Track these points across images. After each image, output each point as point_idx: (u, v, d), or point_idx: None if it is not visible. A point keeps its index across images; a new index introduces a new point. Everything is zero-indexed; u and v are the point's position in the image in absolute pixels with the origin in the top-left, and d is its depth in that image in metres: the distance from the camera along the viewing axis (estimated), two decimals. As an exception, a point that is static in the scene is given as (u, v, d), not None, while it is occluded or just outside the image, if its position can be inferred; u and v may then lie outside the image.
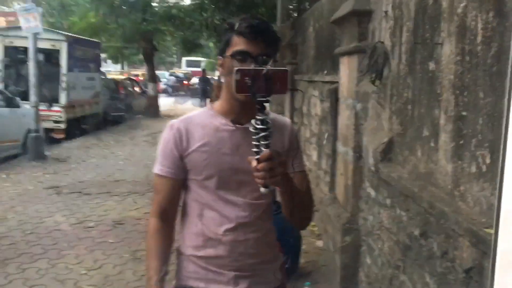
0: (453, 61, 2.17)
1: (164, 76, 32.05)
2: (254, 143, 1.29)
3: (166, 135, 1.55)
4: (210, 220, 1.54)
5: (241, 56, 1.43)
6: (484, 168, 1.91)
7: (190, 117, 1.57)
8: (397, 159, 2.92)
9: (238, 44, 1.44)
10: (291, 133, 1.63)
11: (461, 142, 2.10)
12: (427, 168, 2.48)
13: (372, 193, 3.29)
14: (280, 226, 1.78)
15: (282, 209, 1.50)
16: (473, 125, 1.99)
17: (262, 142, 1.27)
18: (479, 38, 1.92)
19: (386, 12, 3.09)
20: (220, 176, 1.51)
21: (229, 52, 1.45)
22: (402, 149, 2.84)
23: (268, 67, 1.29)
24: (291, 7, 9.51)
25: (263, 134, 1.27)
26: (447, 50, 2.21)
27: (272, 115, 1.51)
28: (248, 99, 1.40)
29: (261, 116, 1.27)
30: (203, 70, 19.74)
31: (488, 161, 1.88)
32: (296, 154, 1.61)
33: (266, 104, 1.30)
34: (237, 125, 1.53)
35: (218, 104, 1.58)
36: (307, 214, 1.61)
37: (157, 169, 1.57)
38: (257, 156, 1.27)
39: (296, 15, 8.56)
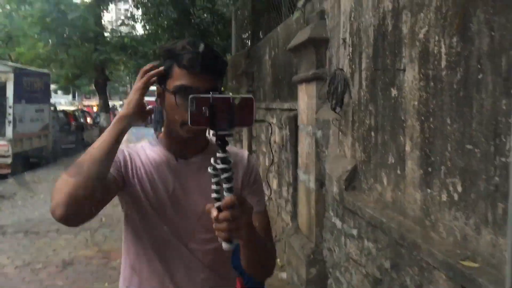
0: (416, 87, 2.12)
1: (117, 107, 31.56)
2: (214, 187, 1.11)
3: (119, 153, 1.37)
4: (150, 272, 1.37)
5: (184, 92, 1.24)
6: (455, 196, 1.84)
7: (136, 146, 1.42)
8: (362, 187, 2.85)
9: (181, 77, 1.27)
10: (248, 166, 1.44)
11: (429, 169, 2.04)
12: (394, 197, 2.41)
13: (338, 223, 3.19)
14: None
15: (242, 261, 1.30)
16: (441, 152, 1.93)
17: (225, 185, 1.09)
18: (443, 63, 1.88)
19: (344, 39, 3.06)
20: (160, 216, 1.34)
21: (170, 85, 1.29)
22: (367, 177, 2.77)
23: (231, 94, 1.14)
24: (244, 36, 9.52)
25: (225, 175, 1.09)
26: (410, 76, 2.17)
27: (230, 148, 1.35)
28: (199, 133, 1.28)
29: (222, 154, 1.09)
30: (157, 100, 18.67)
31: (460, 189, 1.81)
32: (255, 190, 1.43)
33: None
34: (180, 160, 1.36)
35: (161, 135, 1.43)
36: (271, 262, 1.41)
37: None
38: (218, 204, 1.08)
39: (250, 43, 8.58)
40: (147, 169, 1.35)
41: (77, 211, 1.15)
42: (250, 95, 1.14)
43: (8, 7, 24.08)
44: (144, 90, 1.26)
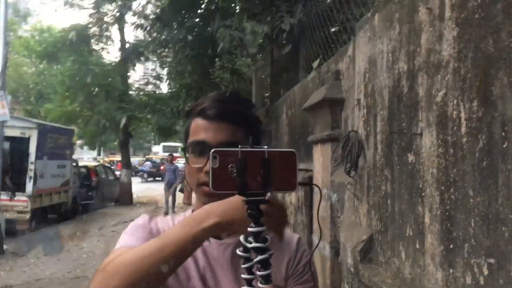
0: (435, 153, 1.94)
1: (136, 162, 31.97)
2: (244, 276, 0.85)
3: (137, 222, 1.13)
4: None
5: (196, 147, 1.04)
6: (481, 280, 1.60)
7: (165, 219, 1.16)
8: (378, 260, 2.60)
9: (195, 132, 1.06)
10: (297, 250, 1.13)
11: (451, 246, 1.81)
12: (413, 274, 2.16)
13: (353, 298, 2.92)
14: None
15: None
16: (464, 228, 1.72)
17: (259, 273, 0.83)
18: (463, 129, 1.71)
19: (358, 100, 2.93)
20: None
21: (189, 141, 1.08)
22: (384, 248, 2.53)
23: (266, 148, 0.84)
24: (266, 94, 9.57)
25: (259, 258, 0.83)
26: (428, 141, 2.00)
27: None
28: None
29: (255, 228, 0.83)
30: (171, 156, 15.12)
31: (486, 272, 1.58)
32: (304, 283, 1.11)
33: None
34: (212, 239, 1.09)
35: (194, 209, 1.15)
36: None
37: (121, 242, 1.06)
38: None
39: (269, 102, 8.60)
40: None
41: None
42: (292, 150, 0.87)
43: (40, 65, 25.18)
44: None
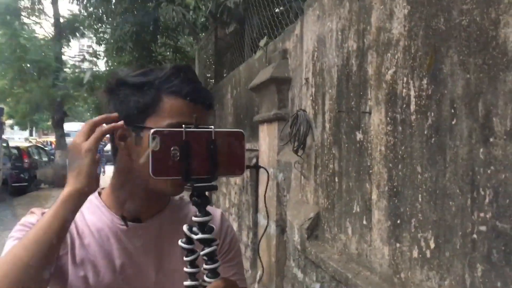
0: (383, 131, 1.97)
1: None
2: (188, 270, 0.78)
3: (27, 220, 1.00)
4: None
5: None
6: (428, 253, 1.66)
7: None
8: (325, 237, 2.64)
9: (176, 113, 0.92)
10: (222, 228, 1.09)
11: (398, 221, 1.86)
12: (360, 249, 2.21)
13: (299, 275, 2.96)
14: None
15: None
16: (411, 203, 1.76)
17: (206, 266, 0.77)
18: (412, 107, 1.74)
19: (306, 79, 2.92)
20: None
21: (155, 124, 0.90)
22: (331, 225, 2.57)
23: (212, 127, 0.77)
24: (208, 75, 9.43)
25: (206, 251, 0.76)
26: (376, 119, 2.02)
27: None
28: (170, 185, 0.90)
29: (201, 217, 0.77)
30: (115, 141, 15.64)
31: (432, 245, 1.63)
32: (231, 260, 1.08)
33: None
34: (131, 223, 1.00)
35: (106, 191, 1.06)
36: None
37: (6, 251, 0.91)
38: None
39: (213, 82, 8.47)
40: (87, 241, 0.99)
41: None
42: (240, 130, 0.82)
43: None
44: (96, 151, 0.88)
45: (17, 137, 27.02)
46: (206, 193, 0.78)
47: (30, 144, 18.54)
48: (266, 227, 4.10)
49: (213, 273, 0.76)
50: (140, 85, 0.97)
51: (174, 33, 9.28)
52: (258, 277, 3.96)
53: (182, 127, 0.84)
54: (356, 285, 2.07)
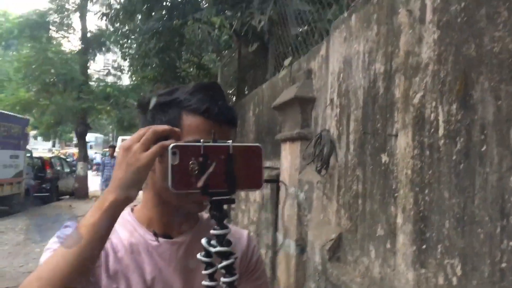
0: (409, 154, 1.96)
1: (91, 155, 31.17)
2: (206, 283, 0.78)
3: (62, 233, 0.99)
4: None
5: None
6: (454, 280, 1.63)
7: None
8: (347, 259, 2.62)
9: (195, 131, 0.93)
10: (248, 247, 1.10)
11: (424, 246, 1.84)
12: (383, 273, 2.19)
13: (319, 296, 2.93)
14: None
15: None
16: (438, 229, 1.74)
17: (224, 280, 0.77)
18: (441, 131, 1.73)
19: (331, 100, 2.94)
20: None
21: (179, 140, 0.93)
22: (353, 247, 2.55)
23: (230, 142, 0.78)
24: (229, 92, 9.52)
25: (224, 264, 0.77)
26: (403, 142, 2.02)
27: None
28: (191, 202, 0.91)
29: (219, 231, 0.78)
30: (112, 148, 12.75)
31: (459, 272, 1.61)
32: (256, 280, 1.08)
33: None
34: (162, 239, 1.02)
35: (138, 208, 1.09)
36: None
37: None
38: None
39: (235, 99, 8.56)
40: (120, 255, 1.00)
41: None
42: (258, 144, 0.81)
43: (-5, 51, 24.12)
44: (151, 165, 0.85)
45: (41, 148, 27.53)
46: (225, 207, 0.79)
47: (53, 155, 18.85)
48: (282, 244, 4.08)
49: (231, 287, 0.77)
50: (164, 104, 0.99)
51: (198, 50, 9.42)
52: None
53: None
54: (379, 309, 2.05)
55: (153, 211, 1.04)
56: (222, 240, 0.77)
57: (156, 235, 1.02)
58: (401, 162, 2.04)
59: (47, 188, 14.49)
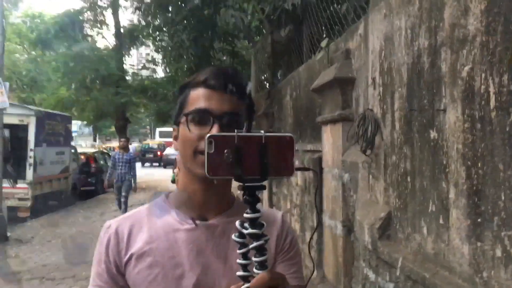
0: (460, 129, 1.94)
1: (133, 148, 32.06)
2: (240, 261, 0.84)
3: (100, 241, 1.09)
4: None
5: (198, 116, 1.02)
6: (513, 252, 1.62)
7: (134, 215, 1.12)
8: (398, 236, 2.63)
9: (195, 100, 1.03)
10: (283, 228, 1.14)
11: (479, 220, 1.83)
12: (437, 249, 2.19)
13: (371, 275, 2.95)
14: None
15: None
16: (493, 201, 1.73)
17: (255, 259, 0.81)
18: (492, 104, 1.71)
19: (373, 79, 2.92)
20: None
21: (184, 113, 1.05)
22: (403, 225, 2.55)
23: (263, 132, 0.82)
24: (263, 78, 9.52)
25: (255, 244, 0.82)
26: (452, 117, 2.00)
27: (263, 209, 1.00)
28: (220, 181, 0.95)
29: (251, 214, 0.82)
30: (125, 141, 10.96)
31: (518, 243, 1.60)
32: (290, 259, 1.12)
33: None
34: (199, 222, 1.07)
35: (174, 193, 1.14)
36: None
37: (91, 282, 1.08)
38: (246, 285, 0.81)
39: (269, 85, 8.56)
40: (152, 237, 1.06)
41: None
42: (289, 134, 0.85)
43: (33, 53, 24.92)
44: None
45: (84, 144, 28.39)
46: (257, 192, 0.83)
47: (96, 150, 19.43)
48: (317, 225, 4.08)
49: (262, 265, 0.81)
50: (181, 87, 1.11)
51: (231, 38, 9.46)
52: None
53: (203, 112, 1.00)
54: (435, 284, 2.05)
55: (186, 194, 1.09)
56: (254, 223, 0.82)
57: (192, 218, 1.07)
58: (451, 137, 2.02)
59: (92, 182, 14.99)
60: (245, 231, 0.83)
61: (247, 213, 0.83)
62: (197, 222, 1.06)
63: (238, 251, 0.84)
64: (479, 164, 1.81)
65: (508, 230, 1.65)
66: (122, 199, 9.80)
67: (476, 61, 1.81)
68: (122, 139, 11.12)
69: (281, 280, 0.81)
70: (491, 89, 1.72)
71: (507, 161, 1.65)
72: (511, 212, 1.63)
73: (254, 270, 0.81)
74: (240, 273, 0.83)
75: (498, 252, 1.71)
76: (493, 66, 1.70)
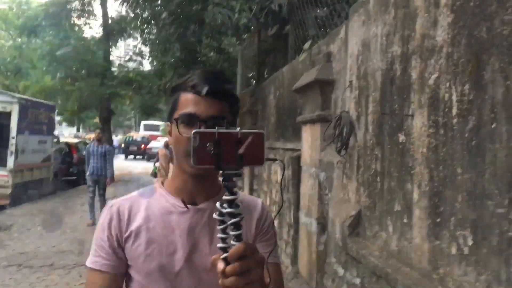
0: (425, 133, 2.06)
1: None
2: (220, 235, 0.97)
3: (103, 218, 1.24)
4: None
5: (188, 119, 1.15)
6: (466, 250, 1.74)
7: (135, 196, 1.28)
8: (366, 234, 2.74)
9: (185, 105, 1.17)
10: (262, 213, 1.30)
11: (438, 220, 1.95)
12: (400, 246, 2.31)
13: (340, 270, 3.07)
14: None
15: None
16: (451, 202, 1.85)
17: (232, 233, 0.95)
18: (454, 111, 1.83)
19: (350, 82, 3.03)
20: (166, 274, 1.18)
21: (175, 115, 1.18)
22: (372, 223, 2.67)
23: (238, 129, 0.98)
24: (249, 75, 9.60)
25: (232, 221, 0.96)
26: (419, 122, 2.12)
27: (241, 194, 1.18)
28: (207, 172, 1.12)
29: (229, 196, 0.97)
30: (99, 134, 9.83)
31: (470, 242, 1.72)
32: (268, 239, 1.28)
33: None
34: (190, 206, 1.22)
35: (168, 181, 1.30)
36: None
37: (89, 261, 1.23)
38: (225, 254, 0.94)
39: (254, 82, 8.64)
40: (152, 224, 1.21)
41: None
42: (261, 131, 1.01)
43: (19, 39, 24.62)
44: None
45: (67, 133, 28.13)
46: (234, 179, 0.99)
47: (79, 140, 19.31)
48: (279, 210, 4.21)
49: (238, 238, 0.96)
50: (173, 88, 1.24)
51: (218, 35, 9.52)
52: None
53: (192, 116, 1.14)
54: (396, 280, 2.17)
55: (178, 181, 1.25)
56: (232, 203, 0.97)
57: (184, 202, 1.23)
58: (417, 141, 2.14)
59: (74, 172, 14.91)
60: (224, 210, 0.97)
61: (225, 195, 0.97)
62: (189, 206, 1.22)
63: (218, 227, 0.98)
64: (440, 167, 1.93)
65: (462, 230, 1.77)
66: (99, 197, 9.56)
67: (442, 70, 1.93)
68: (97, 130, 11.15)
69: (254, 249, 0.95)
70: (454, 97, 1.83)
71: (465, 166, 1.76)
72: (466, 213, 1.75)
73: (232, 242, 0.95)
74: (220, 245, 0.97)
75: (453, 250, 1.83)
76: (456, 76, 1.82)
